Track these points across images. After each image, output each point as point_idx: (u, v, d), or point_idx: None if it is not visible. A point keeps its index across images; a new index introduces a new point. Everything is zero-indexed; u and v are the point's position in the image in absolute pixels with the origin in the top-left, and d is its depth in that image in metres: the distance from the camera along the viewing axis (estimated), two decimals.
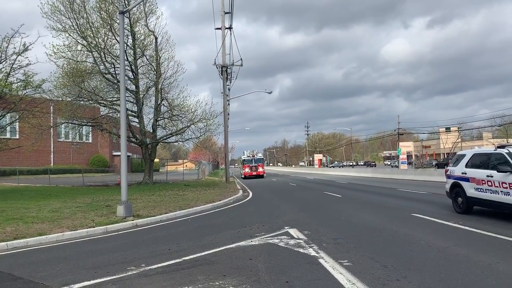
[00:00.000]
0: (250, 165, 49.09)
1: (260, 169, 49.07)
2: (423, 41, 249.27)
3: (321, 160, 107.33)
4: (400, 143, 67.15)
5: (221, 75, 35.00)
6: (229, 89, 37.35)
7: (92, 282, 6.23)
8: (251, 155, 50.47)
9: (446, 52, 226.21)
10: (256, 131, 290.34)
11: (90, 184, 31.15)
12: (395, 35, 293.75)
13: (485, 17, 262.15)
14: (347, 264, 6.64)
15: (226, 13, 33.79)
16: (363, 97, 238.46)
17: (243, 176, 49.53)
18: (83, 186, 29.46)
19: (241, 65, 34.44)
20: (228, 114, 38.69)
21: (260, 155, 52.08)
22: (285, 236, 9.35)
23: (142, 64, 30.75)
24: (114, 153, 57.92)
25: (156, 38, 30.33)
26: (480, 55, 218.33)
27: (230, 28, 33.63)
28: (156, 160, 48.27)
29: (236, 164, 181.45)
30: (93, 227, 11.53)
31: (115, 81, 27.90)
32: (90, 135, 51.40)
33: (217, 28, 34.56)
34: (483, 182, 11.06)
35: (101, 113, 32.81)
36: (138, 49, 29.58)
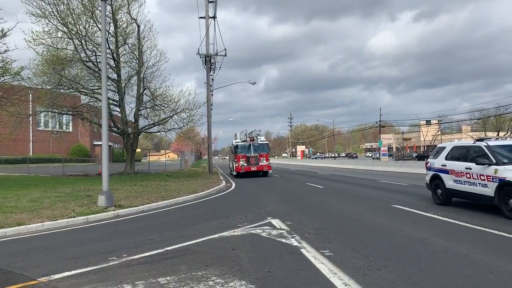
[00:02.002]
0: (248, 155, 30.49)
1: (264, 162, 30.90)
2: (409, 34, 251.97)
3: (303, 151, 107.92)
4: (382, 135, 67.97)
5: (205, 65, 34.75)
6: (212, 79, 37.13)
7: (73, 272, 6.16)
8: (248, 139, 31.46)
9: (431, 46, 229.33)
10: (240, 122, 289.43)
11: (71, 174, 30.73)
12: (382, 28, 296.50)
13: (472, 12, 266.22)
14: (329, 254, 6.71)
15: (209, 2, 33.46)
16: (348, 89, 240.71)
17: (234, 173, 31.60)
18: (63, 176, 29.05)
19: (225, 55, 34.22)
20: (212, 105, 38.52)
21: (262, 139, 32.94)
22: (267, 227, 9.39)
23: (124, 53, 30.33)
24: (95, 143, 57.22)
25: (138, 26, 29.92)
26: (464, 49, 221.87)
27: (214, 17, 33.32)
28: (138, 150, 47.66)
29: (220, 155, 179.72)
30: (74, 217, 11.39)
31: (97, 69, 27.42)
32: (71, 124, 50.65)
33: (201, 17, 34.25)
34: (462, 174, 11.28)
35: (82, 101, 32.30)
36: (120, 37, 29.13)
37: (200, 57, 34.37)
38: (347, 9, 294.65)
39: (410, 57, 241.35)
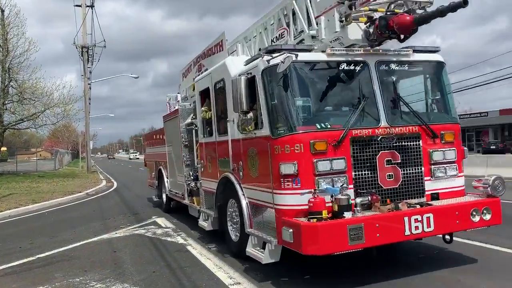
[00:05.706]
0: (383, 144, 4.82)
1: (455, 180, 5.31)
2: None
3: None
4: None
5: (81, 56, 32.49)
6: (90, 72, 34.74)
7: None
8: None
9: None
10: (125, 118, 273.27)
11: None
12: None
13: None
14: (215, 249, 6.78)
15: None
16: None
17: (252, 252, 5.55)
18: None
19: (104, 46, 32.30)
20: (90, 99, 36.02)
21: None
22: (152, 226, 9.17)
23: None
24: None
25: (2, 11, 26.72)
26: None
27: (91, 6, 31.30)
28: (4, 148, 42.78)
29: (101, 153, 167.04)
30: None
31: None
32: None
33: (77, 5, 31.87)
34: None
35: None
36: None
37: (76, 48, 32.06)
38: (238, 8, 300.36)
39: None
